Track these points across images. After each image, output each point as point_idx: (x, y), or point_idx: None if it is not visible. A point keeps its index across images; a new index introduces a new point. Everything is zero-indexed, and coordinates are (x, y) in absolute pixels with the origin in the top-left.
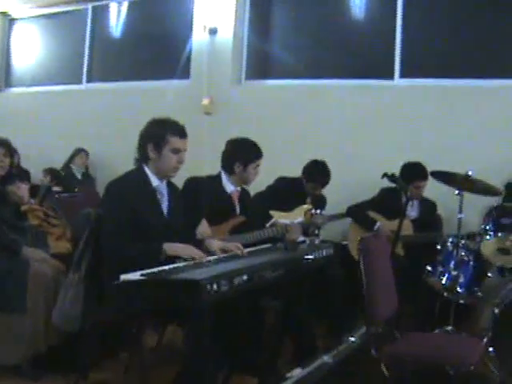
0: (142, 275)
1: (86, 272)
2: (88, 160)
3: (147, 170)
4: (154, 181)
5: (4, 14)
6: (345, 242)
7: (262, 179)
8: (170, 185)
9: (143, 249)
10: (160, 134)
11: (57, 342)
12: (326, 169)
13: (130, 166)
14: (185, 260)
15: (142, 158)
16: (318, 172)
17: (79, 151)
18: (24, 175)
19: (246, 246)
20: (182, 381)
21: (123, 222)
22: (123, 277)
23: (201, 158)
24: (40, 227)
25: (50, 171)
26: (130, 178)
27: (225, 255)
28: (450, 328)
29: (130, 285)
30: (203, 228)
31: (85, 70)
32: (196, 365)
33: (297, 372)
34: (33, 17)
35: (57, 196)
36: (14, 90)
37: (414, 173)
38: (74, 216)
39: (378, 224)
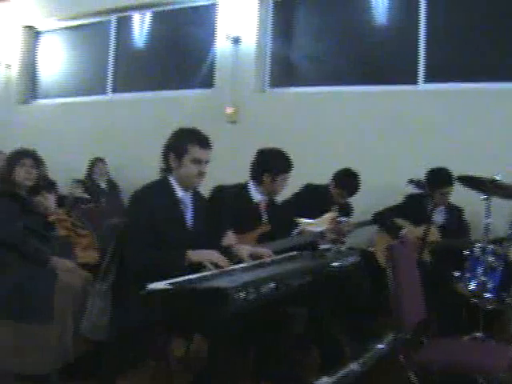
0: (168, 284)
1: (113, 281)
2: (108, 168)
3: (172, 181)
4: (179, 192)
5: (30, 27)
6: (371, 249)
7: (286, 186)
8: (196, 195)
9: (166, 256)
10: (181, 144)
11: (85, 351)
12: (356, 179)
13: (154, 175)
14: (209, 268)
15: (166, 168)
16: (348, 181)
17: (97, 160)
18: (51, 186)
19: (273, 254)
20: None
21: (147, 231)
22: (150, 286)
23: (225, 167)
24: (67, 237)
25: (80, 182)
26: (155, 189)
27: (251, 263)
28: (479, 335)
29: (156, 294)
30: (229, 239)
31: (109, 80)
32: (221, 374)
33: (324, 380)
34: (58, 29)
35: (83, 206)
36: (41, 101)
37: (439, 179)
38: (101, 226)
39: (403, 230)
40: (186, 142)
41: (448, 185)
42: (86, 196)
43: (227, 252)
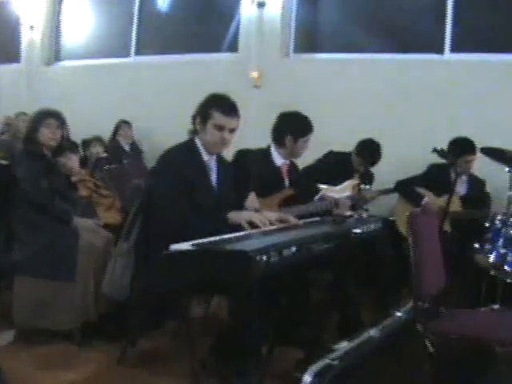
0: (191, 245)
1: (136, 242)
2: (132, 131)
3: (198, 143)
4: (205, 155)
5: None
6: (392, 218)
7: (309, 152)
8: (220, 159)
9: (210, 220)
10: (206, 108)
11: (106, 310)
12: (378, 149)
13: (177, 139)
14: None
15: (194, 130)
16: (370, 151)
17: (122, 123)
18: (74, 147)
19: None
20: (223, 350)
21: (182, 196)
22: (173, 247)
23: (249, 131)
24: (90, 198)
25: (99, 140)
26: (183, 150)
27: (274, 227)
28: (497, 306)
29: (179, 255)
30: (252, 200)
31: (133, 43)
32: (240, 335)
33: (343, 345)
34: None
35: (106, 167)
36: (64, 63)
37: (462, 147)
38: (123, 187)
39: (425, 199)
40: (210, 107)
41: (470, 153)
42: (106, 155)
43: None
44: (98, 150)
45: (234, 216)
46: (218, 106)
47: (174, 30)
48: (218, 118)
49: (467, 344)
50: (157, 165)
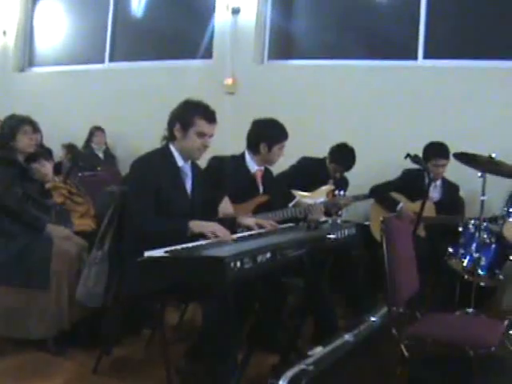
0: (165, 252)
1: (110, 249)
2: (106, 138)
3: (173, 150)
4: (179, 161)
5: None
6: (367, 223)
7: (283, 159)
8: (195, 165)
9: (170, 225)
10: (188, 116)
11: (81, 318)
12: (352, 154)
13: (151, 145)
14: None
15: (170, 137)
16: (344, 156)
17: (96, 129)
18: (48, 153)
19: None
20: (198, 357)
21: (149, 198)
22: (147, 253)
23: (223, 138)
24: (64, 205)
25: (70, 147)
26: (156, 157)
27: (248, 233)
28: (470, 310)
29: (153, 262)
30: (225, 206)
31: (107, 49)
32: (214, 342)
33: (318, 350)
34: None
35: (80, 174)
36: (37, 69)
37: (433, 151)
38: (97, 194)
39: (400, 204)
40: (193, 115)
41: (440, 157)
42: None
43: (231, 222)
44: (68, 156)
45: (196, 226)
46: (201, 113)
47: (148, 37)
48: (201, 125)
49: (441, 348)
50: (129, 172)
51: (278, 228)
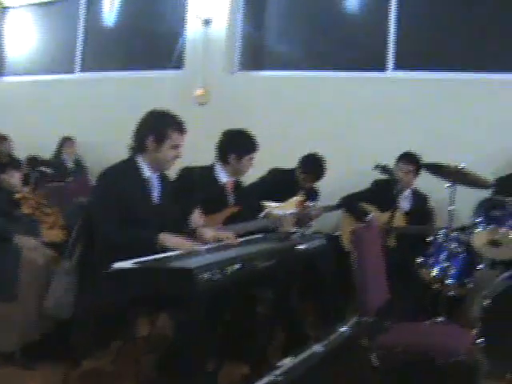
0: (134, 263)
1: (79, 260)
2: (76, 148)
3: (140, 161)
4: (147, 171)
5: None
6: (337, 233)
7: (254, 170)
8: (162, 176)
9: (138, 236)
10: (163, 128)
11: (49, 330)
12: (322, 164)
13: (121, 155)
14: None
15: (138, 147)
16: (314, 166)
17: (66, 139)
18: (16, 164)
19: (239, 235)
20: (168, 368)
21: (114, 210)
22: (115, 265)
23: (194, 148)
24: (33, 216)
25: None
26: (122, 168)
27: (217, 244)
28: (440, 319)
29: (122, 273)
30: (196, 217)
31: (78, 59)
32: (184, 353)
33: (288, 361)
34: (26, 5)
35: (49, 185)
36: (7, 78)
37: (400, 157)
38: (67, 205)
39: (370, 215)
40: (167, 127)
41: (406, 162)
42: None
43: (192, 235)
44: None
45: (167, 240)
46: (175, 125)
47: (119, 47)
48: (175, 137)
49: (411, 357)
50: (95, 184)
51: (237, 241)
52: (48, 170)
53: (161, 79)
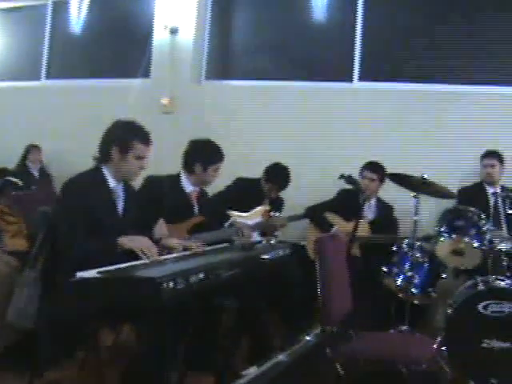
0: (98, 273)
1: (42, 270)
2: (42, 156)
3: (105, 171)
4: (111, 182)
5: None
6: (303, 243)
7: (219, 179)
8: (127, 186)
9: (98, 245)
10: (127, 139)
11: (12, 340)
12: (287, 173)
13: (87, 163)
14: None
15: (103, 158)
16: (279, 175)
17: (31, 147)
18: None
19: (204, 245)
20: (133, 379)
21: (78, 220)
22: (79, 274)
23: (160, 158)
24: None
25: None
26: (87, 178)
27: (181, 253)
28: (404, 328)
29: (85, 282)
30: (160, 228)
31: (44, 66)
32: (149, 363)
33: (252, 370)
34: None
35: (13, 193)
36: None
37: (364, 166)
38: (31, 213)
39: (334, 228)
40: (132, 138)
41: (369, 170)
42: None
43: (158, 245)
44: None
45: (126, 242)
46: (140, 137)
47: (85, 54)
48: (140, 148)
49: (375, 366)
50: (60, 194)
51: (203, 250)
52: (13, 179)
53: (127, 88)
